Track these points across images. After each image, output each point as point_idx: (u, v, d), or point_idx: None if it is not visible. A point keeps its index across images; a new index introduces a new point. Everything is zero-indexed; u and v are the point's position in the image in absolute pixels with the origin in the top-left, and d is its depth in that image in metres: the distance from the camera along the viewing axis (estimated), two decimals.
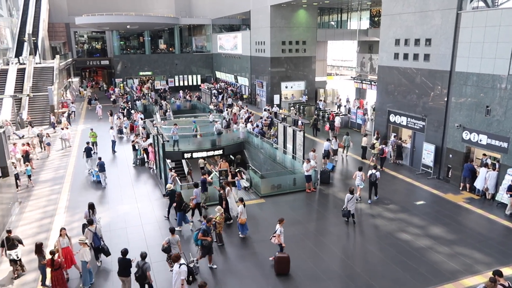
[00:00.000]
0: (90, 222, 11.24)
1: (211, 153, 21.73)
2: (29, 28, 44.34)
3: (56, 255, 9.89)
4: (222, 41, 49.36)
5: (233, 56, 45.92)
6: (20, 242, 11.12)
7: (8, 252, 10.78)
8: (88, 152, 19.74)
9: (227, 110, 30.66)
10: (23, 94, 31.78)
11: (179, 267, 8.91)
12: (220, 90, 43.95)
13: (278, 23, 35.13)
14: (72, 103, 36.71)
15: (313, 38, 37.05)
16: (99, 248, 11.17)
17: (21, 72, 34.87)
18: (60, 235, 10.70)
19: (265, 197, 16.20)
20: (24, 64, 36.32)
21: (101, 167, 17.59)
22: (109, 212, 14.93)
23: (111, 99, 41.37)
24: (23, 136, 25.94)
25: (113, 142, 23.32)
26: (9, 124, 26.13)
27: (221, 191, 14.25)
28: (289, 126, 20.24)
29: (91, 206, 12.55)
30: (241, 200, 13.04)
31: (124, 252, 9.68)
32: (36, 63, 38.30)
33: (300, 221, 13.99)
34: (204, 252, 10.89)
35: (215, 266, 11.11)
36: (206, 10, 54.06)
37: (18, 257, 10.84)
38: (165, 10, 56.82)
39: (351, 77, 37.63)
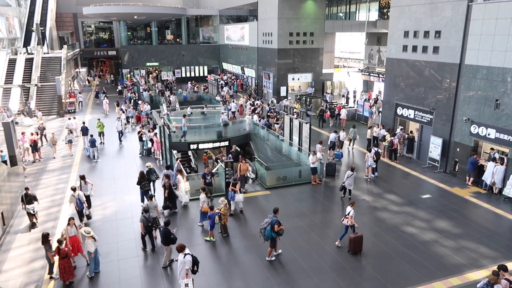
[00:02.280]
0: (73, 189, 13.03)
1: (217, 144, 21.75)
2: (37, 18, 44.44)
3: (64, 243, 10.04)
4: (229, 32, 49.14)
5: (240, 48, 45.73)
6: (36, 199, 13.33)
7: (26, 206, 13.01)
8: (85, 131, 22.11)
9: (233, 101, 30.62)
10: (31, 84, 31.97)
11: (184, 257, 8.98)
12: (227, 82, 43.89)
13: (285, 14, 34.85)
14: (80, 93, 36.87)
15: (320, 29, 36.74)
16: (81, 212, 13.11)
17: (29, 62, 35.05)
18: (68, 224, 10.83)
19: (271, 189, 16.22)
20: (32, 54, 36.47)
21: (92, 143, 20.18)
22: (116, 202, 15.06)
23: (117, 90, 41.22)
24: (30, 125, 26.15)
25: (120, 133, 23.43)
26: (3, 111, 26.57)
27: (167, 180, 13.91)
28: (296, 118, 20.17)
29: (83, 177, 14.09)
30: (203, 189, 13.32)
31: (167, 222, 10.81)
32: (44, 53, 38.45)
33: (305, 213, 14.01)
34: (273, 244, 10.91)
35: (273, 258, 11.14)
36: (213, 1, 53.80)
37: (34, 211, 13.17)
38: (172, 1, 56.58)
39: (359, 69, 37.32)
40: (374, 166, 17.21)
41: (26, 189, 13.51)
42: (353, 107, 29.61)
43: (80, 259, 10.94)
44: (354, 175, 14.91)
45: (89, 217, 13.60)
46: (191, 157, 21.71)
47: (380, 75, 29.74)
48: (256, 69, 41.25)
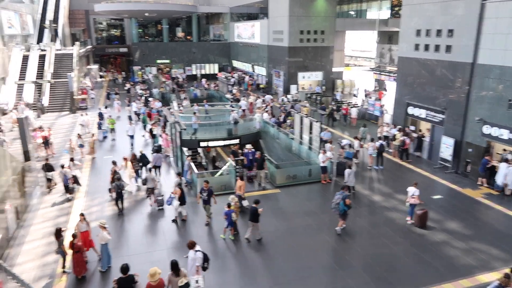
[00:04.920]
0: (62, 166, 15.50)
1: (227, 142, 21.83)
2: (50, 15, 44.96)
3: (77, 238, 10.22)
4: (239, 29, 49.16)
5: (250, 45, 45.73)
6: (53, 168, 16.26)
7: (46, 173, 15.91)
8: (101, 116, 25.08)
9: (244, 99, 30.67)
10: (43, 80, 32.38)
11: (195, 253, 9.07)
12: (238, 80, 43.93)
13: (296, 12, 34.76)
14: (92, 89, 37.23)
15: (331, 27, 36.59)
16: (67, 186, 15.26)
17: (42, 59, 35.49)
18: (80, 219, 11.00)
19: (281, 187, 16.25)
20: (45, 50, 36.91)
21: (100, 116, 24.73)
22: (128, 199, 15.21)
23: (126, 88, 40.95)
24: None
25: (131, 137, 21.96)
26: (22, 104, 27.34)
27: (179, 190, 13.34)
28: (306, 116, 20.15)
29: (72, 159, 17.69)
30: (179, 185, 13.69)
31: (256, 201, 11.87)
32: (57, 50, 38.88)
33: (314, 212, 14.02)
34: (344, 216, 12.44)
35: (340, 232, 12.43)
36: None
37: (51, 177, 16.04)
38: None
39: (370, 68, 37.10)
40: (375, 155, 18.34)
41: (46, 159, 16.62)
42: (361, 105, 29.37)
43: (92, 254, 11.10)
44: (353, 171, 15.16)
45: (72, 191, 15.47)
46: (201, 154, 21.82)
47: (392, 74, 29.53)
48: (267, 67, 41.22)
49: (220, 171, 18.09)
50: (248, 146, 18.14)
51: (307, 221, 13.23)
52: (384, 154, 19.16)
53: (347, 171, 15.10)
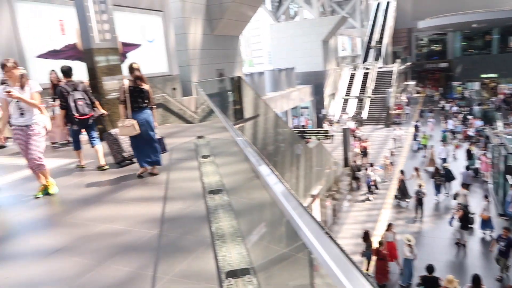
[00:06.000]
0: (371, 165, 17.45)
1: None
2: (376, 36, 49.01)
3: (383, 246, 10.62)
4: None
5: None
6: (360, 169, 18.17)
7: (355, 172, 17.91)
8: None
9: None
10: (365, 95, 35.63)
11: None
12: None
13: None
14: (407, 105, 37.87)
15: None
16: (369, 187, 16.66)
17: (365, 76, 39.18)
18: (388, 229, 11.37)
19: None
20: (369, 69, 40.54)
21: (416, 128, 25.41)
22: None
23: (439, 105, 39.02)
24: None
25: (444, 160, 20.02)
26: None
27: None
28: None
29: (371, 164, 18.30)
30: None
31: None
32: (379, 68, 41.91)
33: None
34: None
35: None
36: None
37: (359, 177, 17.96)
38: None
39: None
40: None
41: (354, 161, 19.05)
42: None
43: (395, 266, 11.24)
44: None
45: (372, 192, 16.76)
46: None
47: None
48: None
49: None
50: None
51: None
52: None
53: None
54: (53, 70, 8.84)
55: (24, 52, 10.70)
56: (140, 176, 5.94)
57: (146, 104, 5.88)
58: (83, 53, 8.41)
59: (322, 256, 1.27)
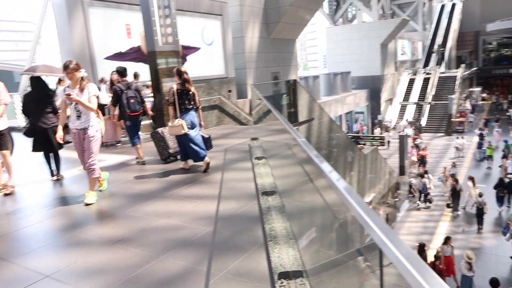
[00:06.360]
0: (425, 172, 17.03)
1: None
2: (439, 40, 46.65)
3: (439, 260, 10.11)
4: None
5: None
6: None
7: (410, 180, 17.19)
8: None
9: None
10: (425, 101, 34.07)
11: None
12: None
13: None
14: (471, 113, 35.68)
15: None
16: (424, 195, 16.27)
17: (425, 82, 37.45)
18: (445, 243, 10.80)
19: None
20: (430, 74, 38.70)
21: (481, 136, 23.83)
22: None
23: (507, 114, 36.06)
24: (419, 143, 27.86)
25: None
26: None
27: None
28: None
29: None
30: None
31: None
32: (441, 73, 39.88)
33: None
34: None
35: None
36: None
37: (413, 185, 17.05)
38: None
39: None
40: None
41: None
42: None
43: (452, 282, 10.66)
44: None
45: (427, 201, 16.16)
46: None
47: None
48: None
49: None
50: None
51: None
52: None
53: None
54: (114, 71, 9.42)
55: (94, 54, 11.48)
56: (183, 169, 6.47)
57: (192, 106, 6.26)
58: (146, 55, 8.86)
59: (395, 253, 1.23)
